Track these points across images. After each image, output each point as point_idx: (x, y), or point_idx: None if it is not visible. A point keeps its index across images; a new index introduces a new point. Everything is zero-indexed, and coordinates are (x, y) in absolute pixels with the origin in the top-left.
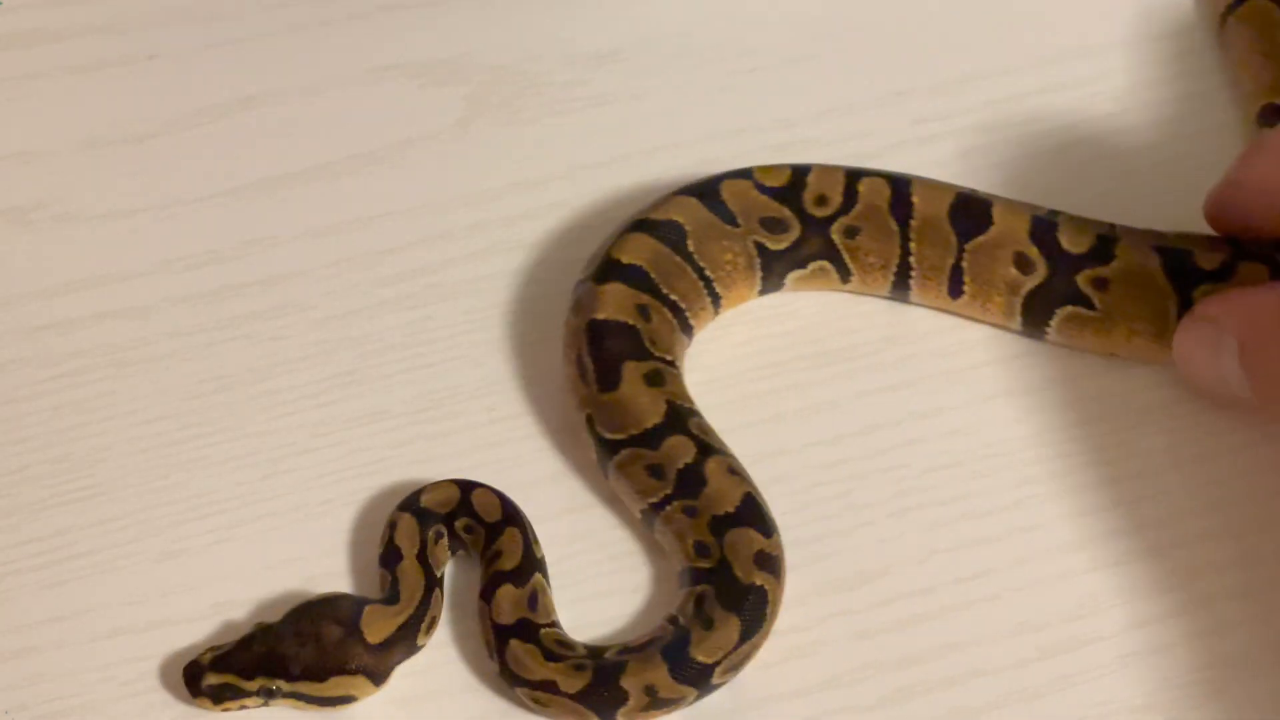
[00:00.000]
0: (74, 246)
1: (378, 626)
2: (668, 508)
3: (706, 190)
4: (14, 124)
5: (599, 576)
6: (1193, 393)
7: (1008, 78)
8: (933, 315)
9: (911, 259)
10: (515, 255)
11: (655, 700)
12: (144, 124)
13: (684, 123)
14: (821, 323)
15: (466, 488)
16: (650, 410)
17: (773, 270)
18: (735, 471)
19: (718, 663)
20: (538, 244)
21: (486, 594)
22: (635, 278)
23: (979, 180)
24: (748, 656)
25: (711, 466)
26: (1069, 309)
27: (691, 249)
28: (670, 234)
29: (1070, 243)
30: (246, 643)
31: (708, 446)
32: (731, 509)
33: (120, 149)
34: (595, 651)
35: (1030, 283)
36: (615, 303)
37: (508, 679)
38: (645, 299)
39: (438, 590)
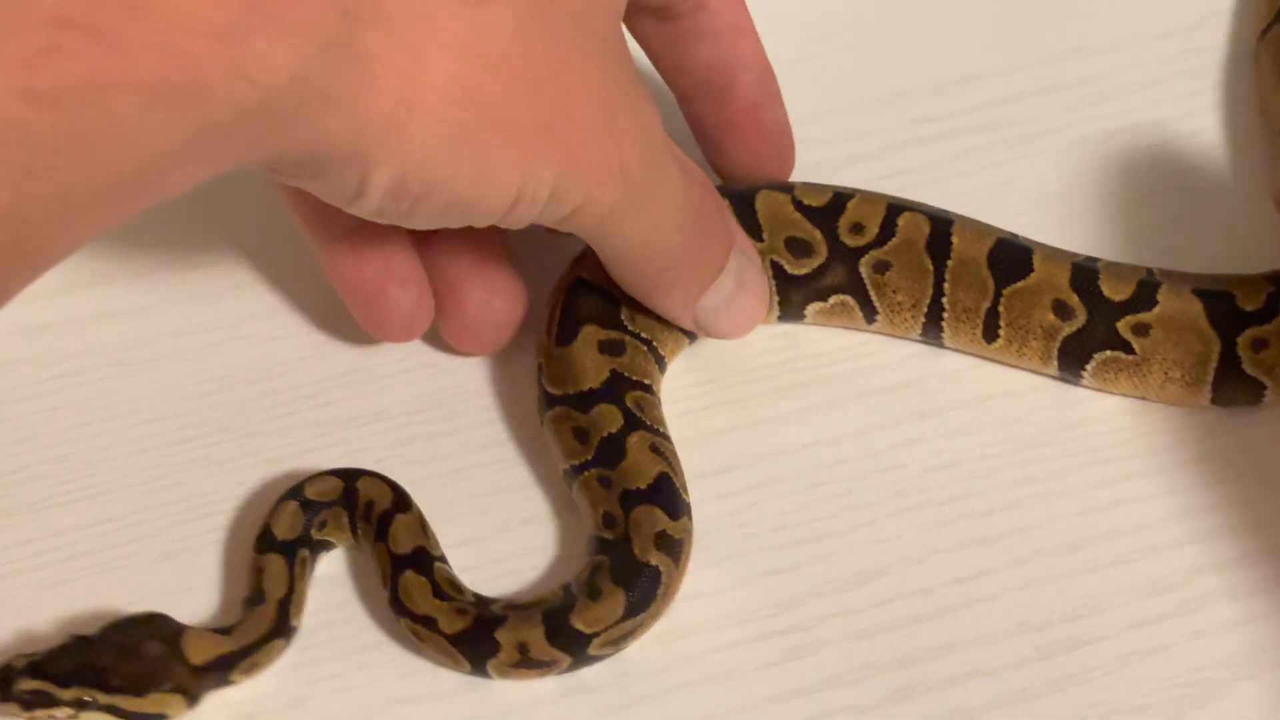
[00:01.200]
0: None
1: (200, 649)
2: (585, 473)
3: (742, 196)
4: None
5: None
6: None
7: (1008, 78)
8: None
9: (945, 300)
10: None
11: (526, 658)
12: None
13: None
14: (822, 321)
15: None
16: (591, 373)
17: (790, 298)
18: (657, 450)
19: (596, 634)
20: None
21: (382, 531)
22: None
23: (979, 179)
24: (631, 634)
25: (634, 440)
26: (1107, 354)
27: None
28: None
29: (1111, 290)
30: (63, 651)
31: (636, 420)
32: (644, 486)
33: None
34: (483, 601)
35: (1069, 328)
36: (589, 267)
37: (395, 608)
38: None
39: (280, 642)
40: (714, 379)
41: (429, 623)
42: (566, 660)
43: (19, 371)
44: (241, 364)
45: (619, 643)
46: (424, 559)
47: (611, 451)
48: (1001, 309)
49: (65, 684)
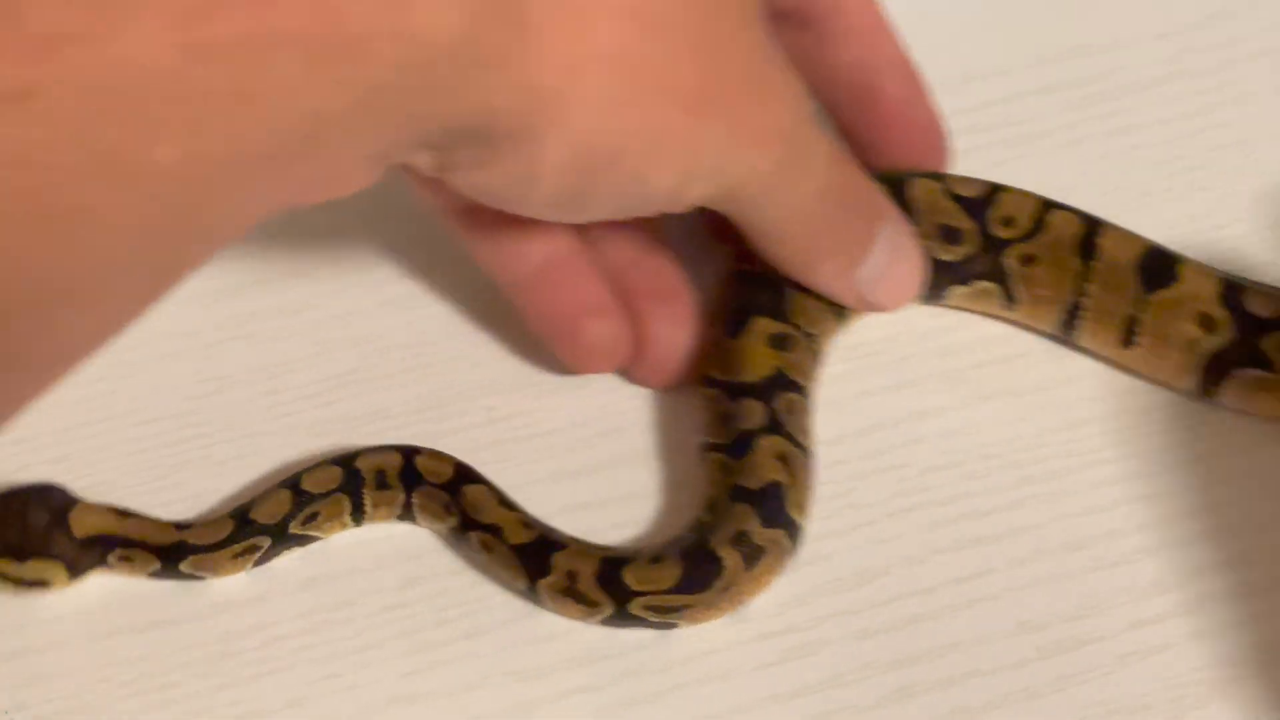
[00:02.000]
0: None
1: (87, 524)
2: (714, 454)
3: (894, 182)
4: None
5: None
6: None
7: (1008, 78)
8: (932, 315)
9: (1086, 299)
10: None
11: (573, 589)
12: None
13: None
14: None
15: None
16: (756, 366)
17: (936, 280)
18: (784, 459)
19: (641, 593)
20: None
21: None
22: None
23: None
24: (677, 611)
25: (766, 443)
26: (1248, 371)
27: None
28: None
29: (1258, 307)
30: None
31: (778, 424)
32: (753, 487)
33: None
34: (550, 528)
35: (1212, 343)
36: (760, 263)
37: (463, 523)
38: None
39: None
40: None
41: (495, 531)
42: (609, 607)
43: None
44: (241, 364)
45: (664, 614)
46: (478, 476)
47: (742, 445)
48: (1144, 316)
49: None
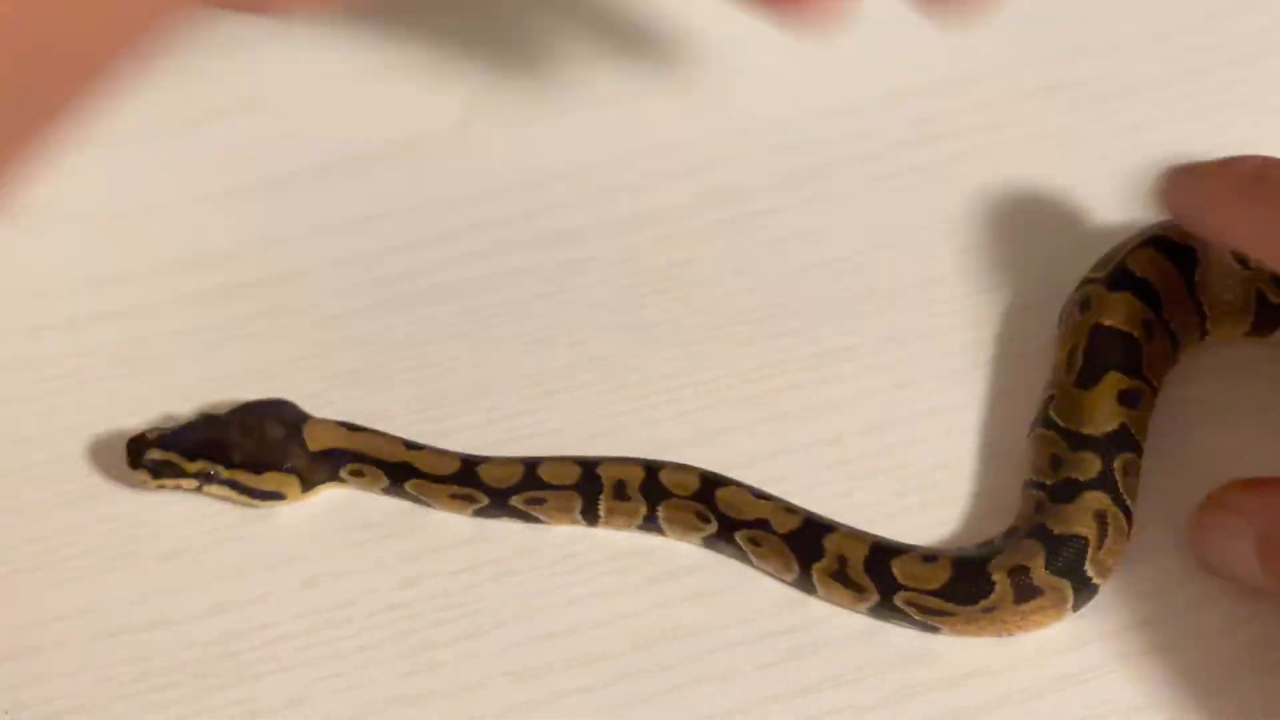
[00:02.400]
0: (74, 246)
1: (320, 437)
2: (1036, 491)
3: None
4: None
5: (598, 577)
6: (1207, 571)
7: (1008, 78)
8: (932, 315)
9: None
10: (515, 255)
11: (842, 572)
12: (144, 124)
13: (684, 123)
14: (823, 321)
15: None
16: (1102, 420)
17: (1264, 322)
18: (1100, 519)
19: (904, 587)
20: (537, 243)
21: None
22: (1145, 292)
23: (979, 179)
24: (940, 615)
25: (1090, 498)
26: None
27: (1197, 279)
28: (1183, 259)
29: None
30: (191, 427)
31: (1109, 483)
32: (1057, 532)
33: (120, 149)
34: (812, 513)
35: None
36: (1123, 312)
37: (723, 529)
38: (1150, 316)
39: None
40: (715, 379)
41: (763, 524)
42: (874, 595)
43: (19, 371)
44: (241, 364)
45: (926, 614)
46: (724, 479)
47: (1066, 492)
48: None
49: (192, 457)
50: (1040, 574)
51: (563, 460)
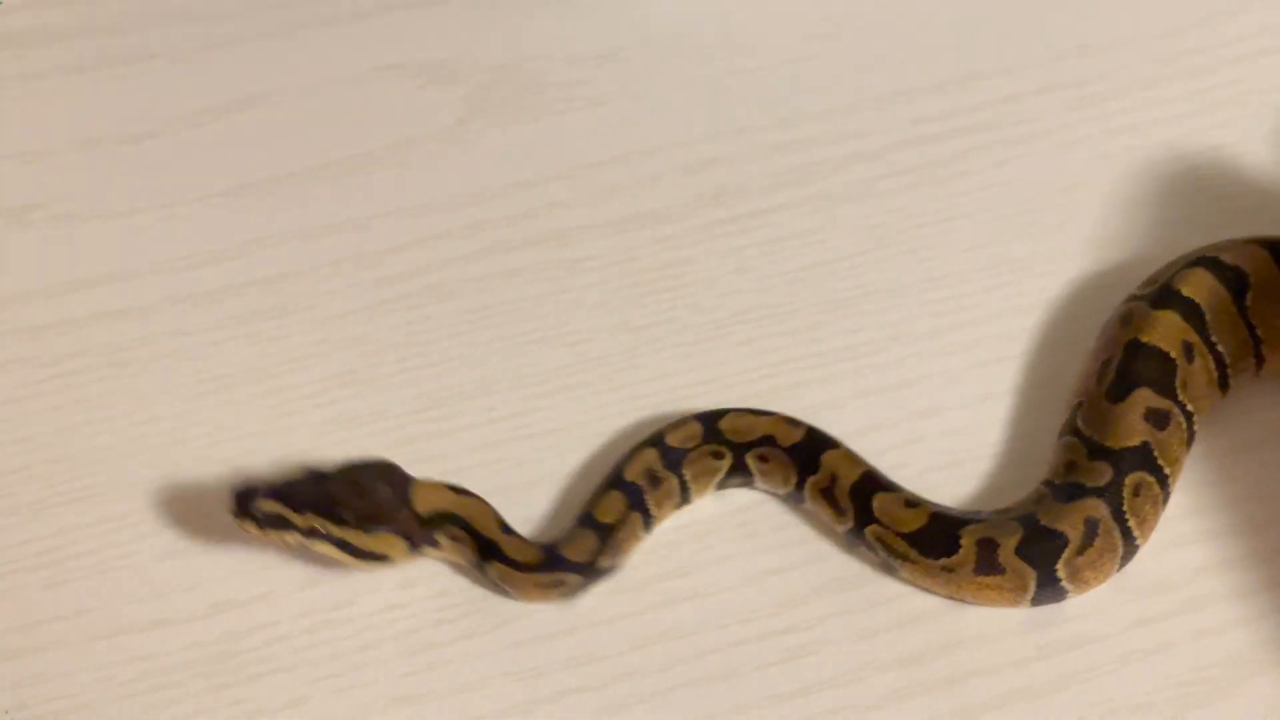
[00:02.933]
0: (74, 246)
1: (428, 499)
2: (1044, 489)
3: None
4: (14, 124)
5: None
6: None
7: (1008, 78)
8: (932, 315)
9: None
10: (515, 255)
11: (830, 490)
12: (144, 124)
13: (684, 123)
14: (823, 321)
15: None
16: (1126, 436)
17: None
18: (1090, 525)
19: (878, 521)
20: (537, 244)
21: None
22: (1190, 312)
23: (979, 179)
24: (902, 561)
25: (1090, 504)
26: None
27: (1249, 302)
28: (1233, 280)
29: None
30: (300, 482)
31: (1115, 499)
32: (1044, 524)
33: (120, 149)
34: (815, 427)
35: None
36: (1164, 331)
37: (735, 453)
38: (1194, 338)
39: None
40: (715, 379)
41: (768, 440)
42: (850, 520)
43: (19, 371)
44: (241, 364)
45: (890, 554)
46: (723, 410)
47: (1068, 493)
48: None
49: (301, 511)
50: (1008, 554)
51: (609, 496)
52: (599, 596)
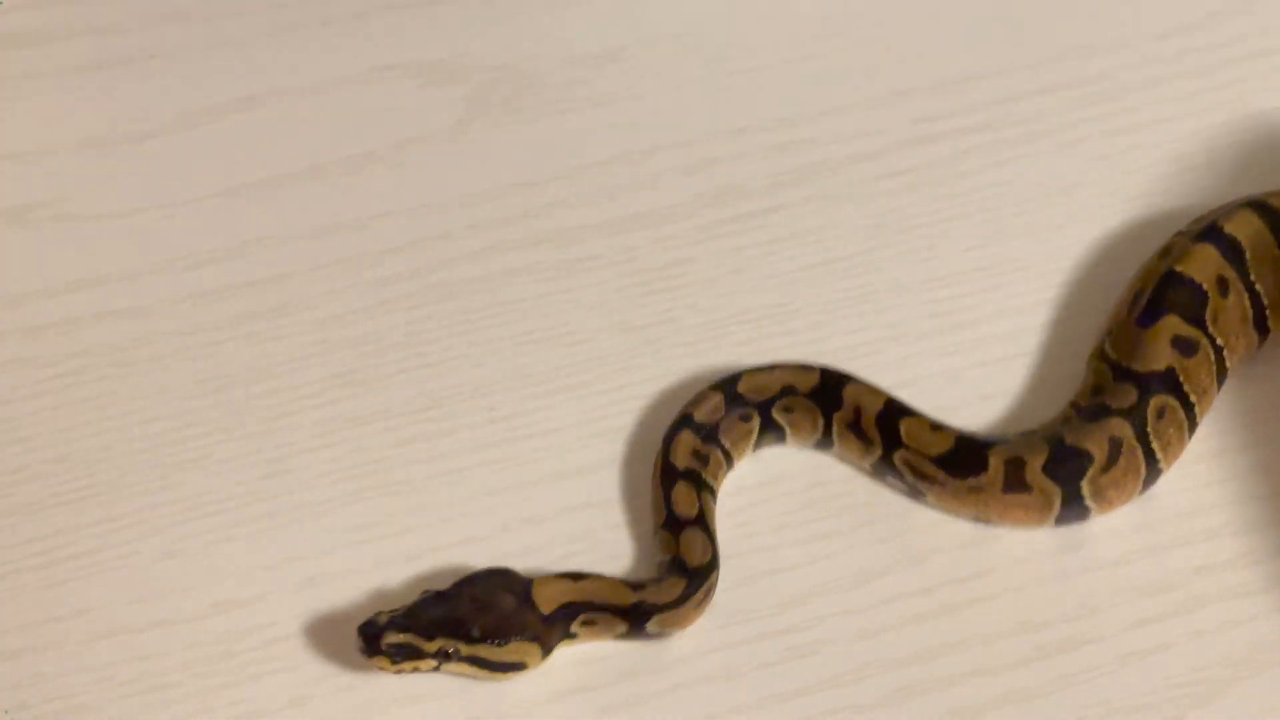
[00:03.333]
0: (74, 246)
1: (549, 596)
2: (1072, 412)
3: None
4: (14, 124)
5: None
6: None
7: (1008, 78)
8: (932, 315)
9: None
10: (515, 255)
11: (856, 424)
12: (144, 124)
13: (684, 123)
14: (823, 321)
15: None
16: (1154, 360)
17: None
18: (1118, 445)
19: (906, 446)
20: (537, 244)
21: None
22: (1230, 250)
23: (979, 179)
24: (930, 484)
25: (1113, 422)
26: None
27: None
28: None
29: None
30: (421, 605)
31: (1140, 425)
32: (1069, 443)
33: (120, 149)
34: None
35: None
36: (1200, 263)
37: (761, 412)
38: (1230, 274)
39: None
40: (714, 378)
41: (790, 390)
42: (878, 449)
43: (19, 371)
44: (241, 364)
45: (918, 478)
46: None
47: (1094, 413)
48: None
49: (430, 636)
50: (1035, 472)
51: (679, 489)
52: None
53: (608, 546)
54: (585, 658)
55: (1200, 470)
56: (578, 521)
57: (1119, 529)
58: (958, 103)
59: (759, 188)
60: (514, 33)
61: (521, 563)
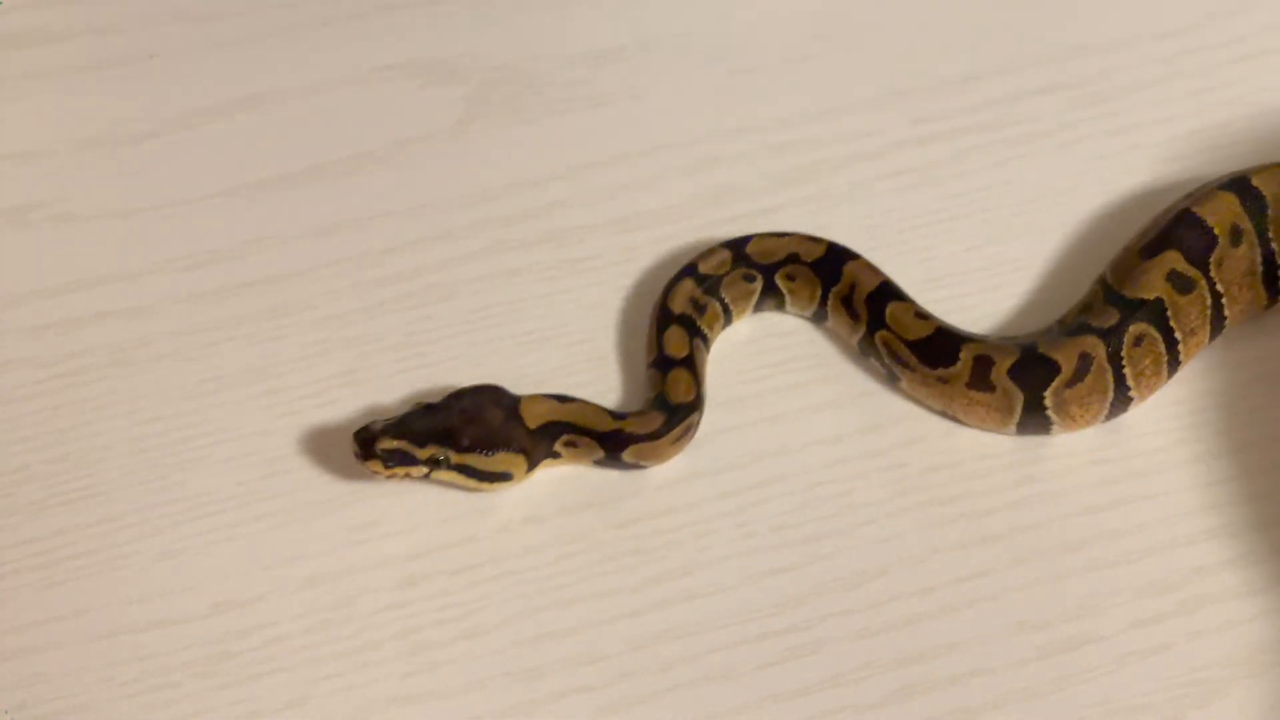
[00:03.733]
0: (74, 246)
1: (536, 412)
2: (1055, 326)
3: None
4: (14, 124)
5: (597, 577)
6: None
7: (1008, 78)
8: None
9: None
10: (515, 255)
11: (849, 299)
12: (144, 124)
13: (684, 123)
14: None
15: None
16: (1145, 289)
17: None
18: (1087, 358)
19: (887, 327)
20: (537, 244)
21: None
22: (1252, 201)
23: (979, 179)
24: (904, 368)
25: (1085, 340)
26: None
27: None
28: None
29: None
30: (414, 416)
31: (1116, 337)
32: (1040, 352)
33: (120, 149)
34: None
35: None
36: (1217, 209)
37: (764, 275)
38: (1246, 225)
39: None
40: (715, 378)
41: (793, 259)
42: (863, 328)
43: (19, 371)
44: (241, 364)
45: (894, 361)
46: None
47: (1073, 329)
48: None
49: (422, 444)
50: (1000, 373)
51: (671, 332)
52: (600, 597)
53: (606, 546)
54: (584, 658)
55: (1200, 470)
56: (577, 521)
57: (1119, 529)
58: (958, 103)
59: (759, 188)
60: (514, 33)
61: (521, 562)
